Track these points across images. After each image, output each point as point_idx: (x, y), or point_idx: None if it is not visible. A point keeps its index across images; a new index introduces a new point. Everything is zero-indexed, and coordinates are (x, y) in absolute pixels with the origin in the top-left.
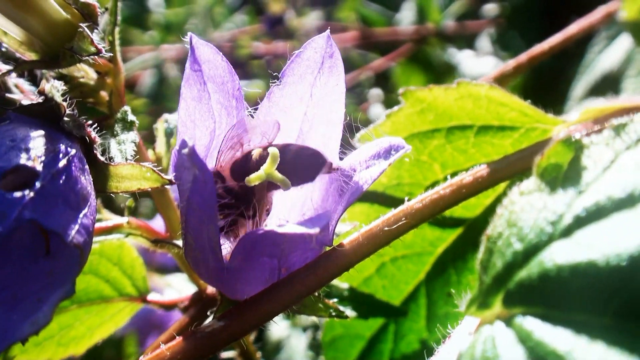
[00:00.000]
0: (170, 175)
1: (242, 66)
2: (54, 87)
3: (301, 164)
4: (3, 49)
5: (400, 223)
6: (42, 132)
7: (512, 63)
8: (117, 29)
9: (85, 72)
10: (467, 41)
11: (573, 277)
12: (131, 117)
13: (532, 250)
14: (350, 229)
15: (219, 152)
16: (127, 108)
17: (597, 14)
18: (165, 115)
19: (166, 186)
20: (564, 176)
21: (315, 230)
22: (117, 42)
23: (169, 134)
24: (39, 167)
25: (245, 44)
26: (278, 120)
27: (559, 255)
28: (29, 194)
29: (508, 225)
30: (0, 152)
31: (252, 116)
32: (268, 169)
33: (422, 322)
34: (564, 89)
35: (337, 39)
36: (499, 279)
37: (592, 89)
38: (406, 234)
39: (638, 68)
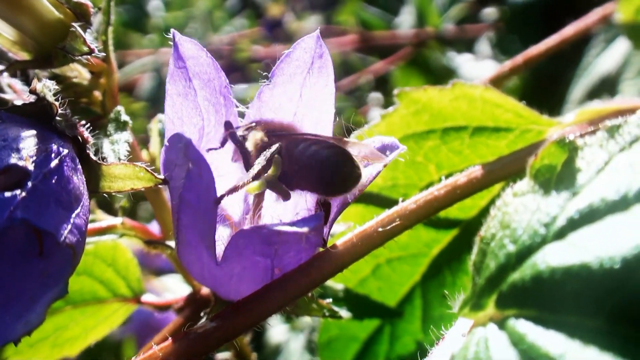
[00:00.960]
0: (163, 175)
1: (241, 69)
2: (46, 87)
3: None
4: None
5: (394, 224)
6: (34, 131)
7: (508, 64)
8: (110, 29)
9: (78, 72)
10: (466, 45)
11: (566, 280)
12: (124, 117)
13: (525, 252)
14: (345, 229)
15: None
16: (120, 108)
17: (593, 16)
18: (160, 116)
19: (160, 186)
20: (558, 178)
21: (304, 230)
22: (110, 41)
23: (163, 134)
24: (31, 167)
25: (245, 47)
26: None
27: (552, 257)
28: (20, 193)
29: (501, 227)
30: None
31: (243, 114)
32: (269, 177)
33: (418, 323)
34: (562, 92)
35: (336, 42)
36: (492, 280)
37: (590, 91)
38: (401, 235)
39: (635, 70)
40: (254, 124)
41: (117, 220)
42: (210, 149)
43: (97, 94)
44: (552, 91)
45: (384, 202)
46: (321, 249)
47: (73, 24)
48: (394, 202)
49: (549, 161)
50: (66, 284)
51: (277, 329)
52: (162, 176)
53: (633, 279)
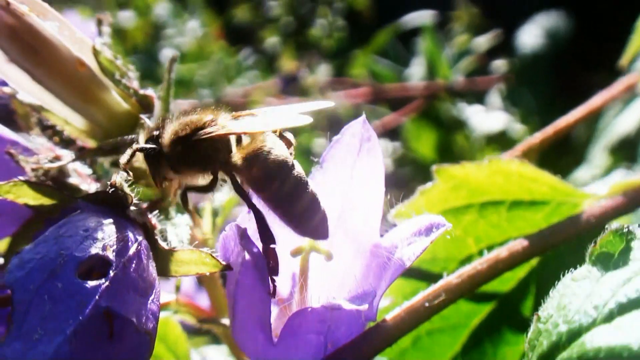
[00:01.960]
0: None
1: None
2: (123, 178)
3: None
4: (64, 136)
5: (440, 299)
6: (110, 220)
7: (538, 136)
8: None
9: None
10: (477, 97)
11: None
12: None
13: (576, 333)
14: (389, 304)
15: None
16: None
17: (618, 86)
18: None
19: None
20: (614, 264)
21: (365, 307)
22: None
23: (215, 214)
24: (112, 256)
25: (258, 99)
26: None
27: (599, 338)
28: (104, 283)
29: (557, 309)
30: (76, 242)
31: None
32: (311, 241)
33: None
34: (577, 149)
35: (348, 94)
36: (544, 358)
37: (609, 152)
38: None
39: None
40: None
41: (170, 297)
42: None
43: None
44: (567, 150)
45: (424, 275)
46: (371, 324)
47: (141, 115)
48: (434, 275)
49: (607, 249)
50: None
51: None
52: (226, 263)
53: None
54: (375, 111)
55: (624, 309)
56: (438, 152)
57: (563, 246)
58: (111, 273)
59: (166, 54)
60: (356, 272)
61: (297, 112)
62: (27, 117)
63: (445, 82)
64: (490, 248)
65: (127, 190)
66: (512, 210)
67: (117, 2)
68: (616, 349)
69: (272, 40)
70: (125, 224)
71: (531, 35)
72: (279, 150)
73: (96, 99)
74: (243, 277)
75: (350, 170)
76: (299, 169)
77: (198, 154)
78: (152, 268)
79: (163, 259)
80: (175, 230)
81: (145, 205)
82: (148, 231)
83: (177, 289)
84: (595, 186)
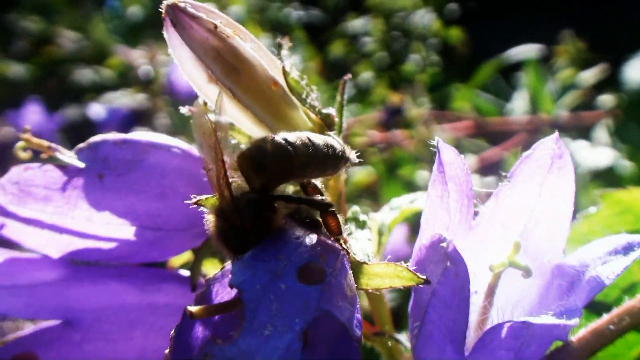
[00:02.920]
0: (424, 275)
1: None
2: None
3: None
4: None
5: (624, 322)
6: (314, 232)
7: None
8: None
9: None
10: (581, 132)
11: None
12: (363, 216)
13: None
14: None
15: None
16: (356, 208)
17: None
18: (372, 215)
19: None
20: None
21: (575, 322)
22: None
23: (380, 232)
24: (324, 264)
25: (360, 131)
26: (504, 217)
27: None
28: (323, 287)
29: None
30: (291, 249)
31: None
32: (511, 256)
33: None
34: None
35: (451, 127)
36: None
37: None
38: None
39: None
40: None
41: None
42: None
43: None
44: None
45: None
46: (559, 343)
47: (328, 132)
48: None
49: None
50: None
51: None
52: (424, 276)
53: None
54: (475, 145)
55: None
56: None
57: None
58: (327, 278)
59: None
60: (534, 290)
61: None
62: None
63: (549, 116)
64: None
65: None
66: None
67: None
68: None
69: (366, 75)
70: (326, 236)
71: (639, 70)
72: None
73: (285, 117)
74: (442, 287)
75: (539, 187)
76: None
77: None
78: (353, 280)
79: (354, 272)
80: (359, 244)
81: None
82: (341, 245)
83: None
84: None
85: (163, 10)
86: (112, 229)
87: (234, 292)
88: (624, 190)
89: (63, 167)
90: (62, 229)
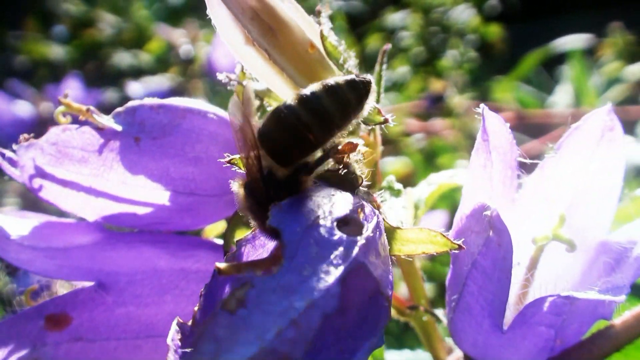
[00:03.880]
0: (460, 241)
1: (393, 143)
2: (356, 162)
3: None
4: None
5: None
6: (349, 193)
7: None
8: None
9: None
10: (627, 127)
11: None
12: (398, 185)
13: None
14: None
15: None
16: (392, 177)
17: None
18: (410, 189)
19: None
20: None
21: (620, 299)
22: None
23: (417, 207)
24: (362, 219)
25: (397, 120)
26: (549, 190)
27: None
28: (360, 240)
29: None
30: (329, 202)
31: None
32: (555, 229)
33: None
34: None
35: None
36: None
37: None
38: None
39: None
40: None
41: None
42: None
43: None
44: None
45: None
46: (602, 324)
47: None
48: None
49: None
50: (382, 335)
51: None
52: (459, 241)
53: None
54: (516, 137)
55: None
56: None
57: None
58: (364, 234)
59: None
60: (576, 267)
61: None
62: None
63: (593, 109)
64: None
65: (359, 172)
66: None
67: None
68: None
69: (402, 69)
70: (362, 198)
71: None
72: None
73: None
74: (483, 258)
75: (588, 160)
76: None
77: None
78: (386, 240)
79: (387, 237)
80: (393, 211)
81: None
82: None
83: None
84: None
85: None
86: (147, 193)
87: (264, 254)
88: None
89: (100, 129)
90: (97, 191)
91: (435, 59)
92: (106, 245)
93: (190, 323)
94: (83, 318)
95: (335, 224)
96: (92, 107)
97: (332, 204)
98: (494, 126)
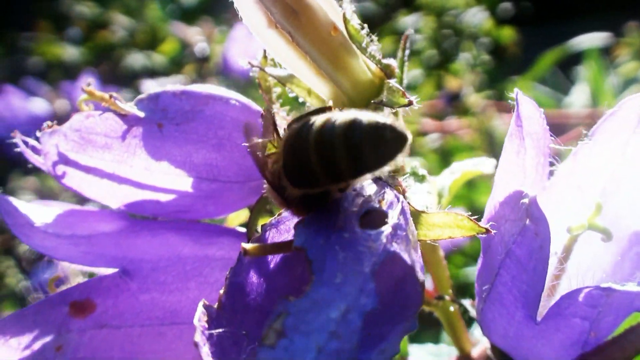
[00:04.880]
0: (487, 224)
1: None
2: None
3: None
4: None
5: None
6: (371, 181)
7: None
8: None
9: None
10: None
11: None
12: (422, 171)
13: None
14: None
15: None
16: (416, 163)
17: None
18: (433, 178)
19: (480, 236)
20: None
21: None
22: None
23: (441, 195)
24: (386, 209)
25: (413, 119)
26: (582, 178)
27: None
28: (385, 231)
29: None
30: (349, 200)
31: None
32: (591, 218)
33: None
34: None
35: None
36: None
37: None
38: None
39: None
40: None
41: None
42: None
43: None
44: None
45: None
46: (637, 317)
47: (388, 80)
48: None
49: None
50: (416, 319)
51: None
52: (486, 225)
53: None
54: None
55: None
56: None
57: None
58: (389, 222)
59: None
60: (608, 257)
61: None
62: (269, 91)
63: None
64: None
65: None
66: None
67: None
68: None
69: (415, 72)
70: (384, 185)
71: None
72: None
73: (345, 66)
74: (518, 247)
75: (623, 147)
76: None
77: None
78: (414, 226)
79: (413, 221)
80: (417, 197)
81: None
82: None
83: None
84: None
85: None
86: (170, 179)
87: (289, 238)
88: None
89: (123, 116)
90: (121, 178)
91: (448, 62)
92: (130, 232)
93: (216, 306)
94: (107, 305)
95: (357, 222)
96: (114, 94)
97: (352, 203)
98: (529, 111)
